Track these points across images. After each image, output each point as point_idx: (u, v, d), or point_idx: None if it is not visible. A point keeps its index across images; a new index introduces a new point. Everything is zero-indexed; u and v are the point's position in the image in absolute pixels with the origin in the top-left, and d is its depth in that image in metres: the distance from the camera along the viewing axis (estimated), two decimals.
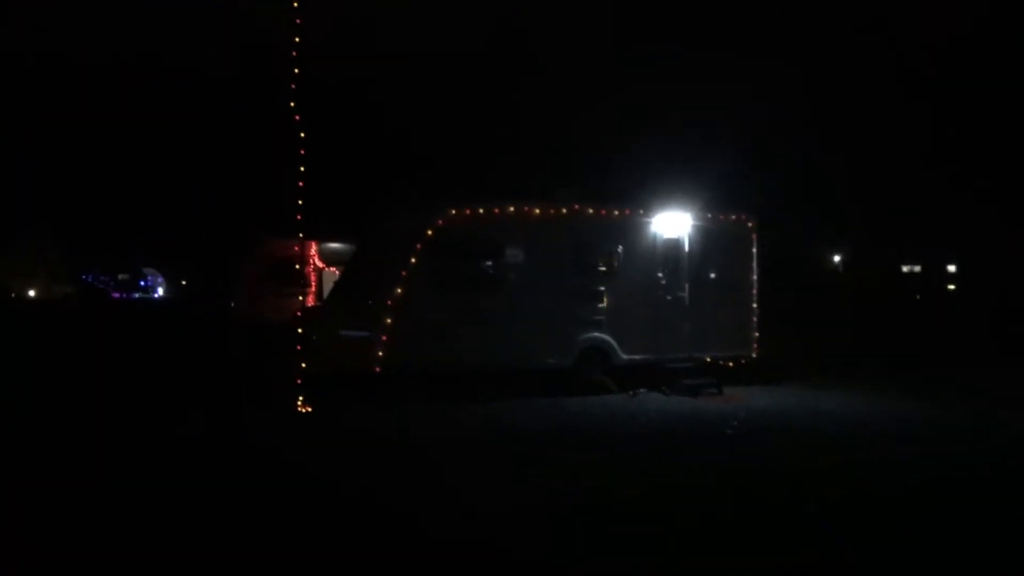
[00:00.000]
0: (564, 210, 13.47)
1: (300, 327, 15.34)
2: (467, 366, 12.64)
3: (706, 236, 14.51)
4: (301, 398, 11.70)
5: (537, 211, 13.24)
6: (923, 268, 46.50)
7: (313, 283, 24.19)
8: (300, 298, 24.52)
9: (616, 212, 13.88)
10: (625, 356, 13.77)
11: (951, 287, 43.25)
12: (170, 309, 37.48)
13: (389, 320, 12.03)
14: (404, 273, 12.21)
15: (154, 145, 48.53)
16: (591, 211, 13.68)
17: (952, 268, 44.30)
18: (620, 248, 13.84)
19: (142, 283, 71.33)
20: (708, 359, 14.45)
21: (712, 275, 14.60)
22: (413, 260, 12.26)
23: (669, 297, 14.21)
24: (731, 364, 14.78)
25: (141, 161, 51.36)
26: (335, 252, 24.31)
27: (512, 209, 13.07)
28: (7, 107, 47.79)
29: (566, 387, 13.26)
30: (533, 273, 13.16)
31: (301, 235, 12.14)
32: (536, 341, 13.13)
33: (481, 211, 12.82)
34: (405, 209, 13.83)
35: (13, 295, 39.81)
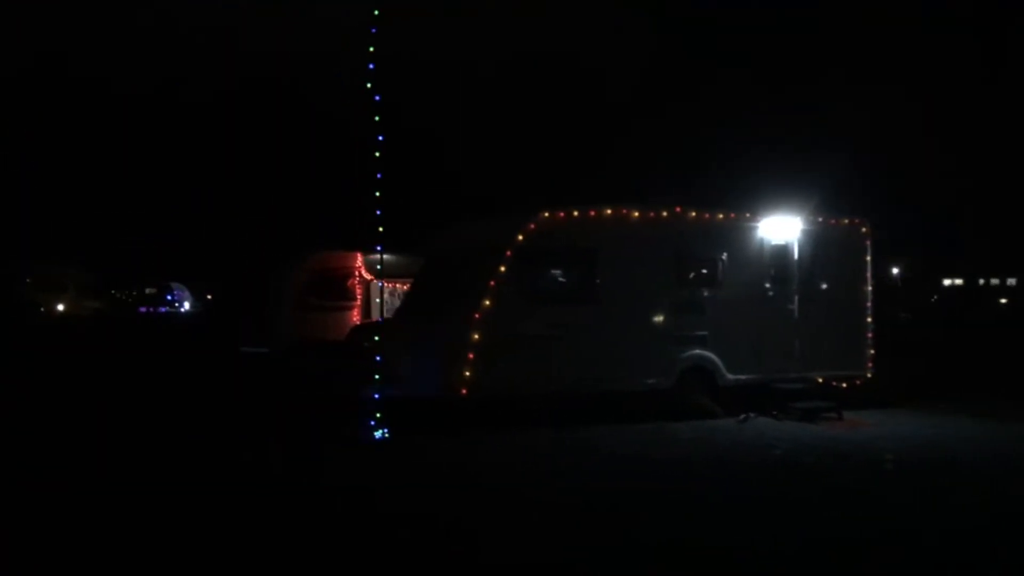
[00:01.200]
0: (664, 213, 12.04)
1: (361, 344, 14.06)
2: (559, 387, 11.22)
3: (817, 242, 13.03)
4: (378, 426, 10.33)
5: (636, 214, 11.82)
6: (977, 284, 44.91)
7: (359, 297, 22.94)
8: (346, 313, 23.43)
9: (720, 216, 12.43)
10: (730, 376, 12.28)
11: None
12: (200, 325, 36.30)
13: (476, 336, 10.63)
14: (492, 283, 10.81)
15: (184, 160, 47.74)
16: (694, 214, 12.24)
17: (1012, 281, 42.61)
18: (724, 256, 12.38)
19: (169, 297, 70.40)
20: (819, 379, 12.93)
21: (823, 286, 13.10)
22: (502, 268, 10.87)
23: (777, 311, 12.73)
24: (844, 385, 13.25)
25: (169, 175, 50.61)
26: (384, 263, 22.98)
27: (609, 212, 11.65)
28: (41, 122, 47.14)
29: (664, 411, 11.79)
30: (631, 284, 11.74)
31: (380, 249, 10.89)
32: (634, 359, 11.69)
33: (576, 214, 11.43)
34: (490, 214, 12.42)
35: (43, 309, 38.84)
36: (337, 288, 22.95)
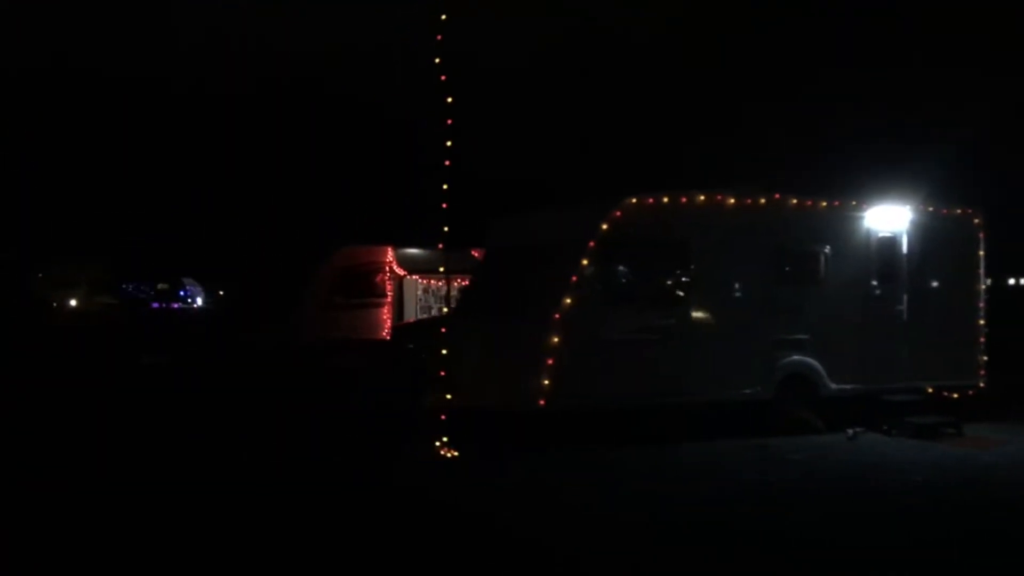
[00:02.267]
0: (763, 201, 10.58)
1: (408, 347, 12.65)
2: (645, 398, 9.79)
3: (926, 235, 11.54)
4: (444, 441, 8.94)
5: (731, 201, 10.36)
6: None
7: (390, 293, 21.51)
8: (375, 311, 22.00)
9: (823, 204, 10.96)
10: (833, 385, 10.82)
11: None
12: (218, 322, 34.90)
13: (556, 339, 9.20)
14: (573, 279, 9.38)
15: (201, 155, 46.39)
16: (794, 202, 10.78)
17: None
18: (827, 249, 10.92)
19: (182, 293, 69.17)
20: (929, 389, 11.46)
21: (934, 283, 11.62)
22: (584, 262, 9.43)
23: (884, 311, 11.26)
24: (955, 395, 11.77)
25: (184, 170, 49.31)
26: (415, 259, 21.62)
27: (702, 199, 10.20)
28: (51, 116, 45.93)
29: (760, 425, 10.34)
30: (725, 280, 10.31)
31: (441, 245, 9.50)
32: (728, 366, 10.25)
33: (666, 201, 9.98)
34: (567, 203, 10.94)
35: (55, 304, 37.58)
36: (365, 284, 21.56)
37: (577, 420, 9.69)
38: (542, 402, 9.15)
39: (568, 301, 9.29)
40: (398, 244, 21.77)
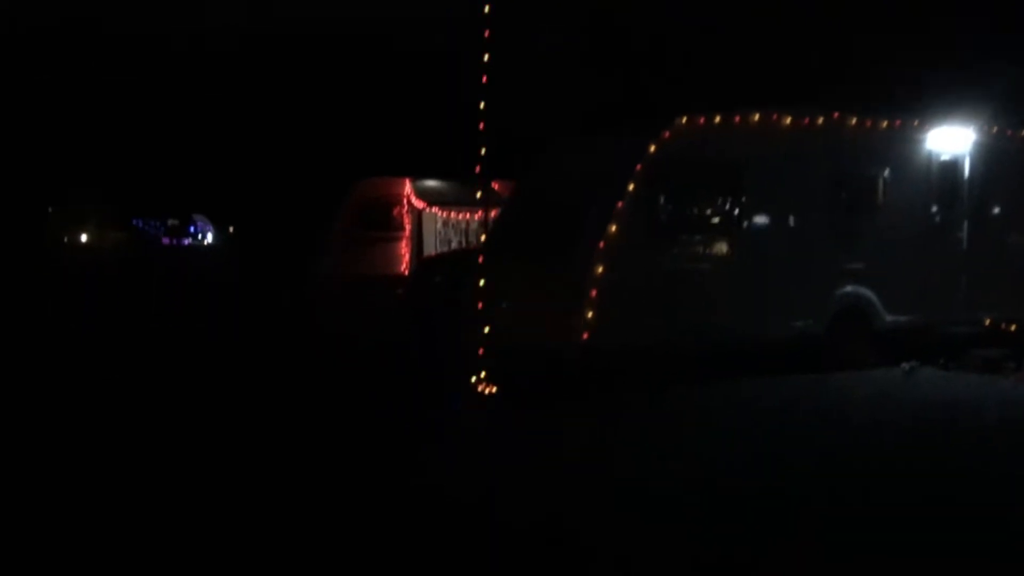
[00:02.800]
0: (821, 119, 9.84)
1: (435, 282, 12.12)
2: (695, 335, 9.22)
3: (990, 158, 10.81)
4: (482, 376, 8.43)
5: (788, 120, 9.64)
6: None
7: (408, 226, 20.87)
8: (393, 244, 21.40)
9: (884, 124, 10.21)
10: (889, 318, 10.24)
11: None
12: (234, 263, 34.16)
13: (601, 270, 8.61)
14: (620, 205, 8.73)
15: (212, 88, 45.16)
16: (854, 123, 10.03)
17: None
18: (887, 174, 10.22)
19: (192, 229, 68.56)
20: (988, 321, 10.87)
21: (996, 210, 10.94)
22: (631, 187, 8.77)
23: (943, 240, 10.61)
24: (1012, 328, 11.17)
25: (194, 104, 48.14)
26: (434, 191, 20.92)
27: (757, 118, 9.47)
28: (60, 48, 44.75)
29: (811, 361, 9.77)
30: (780, 207, 9.65)
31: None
32: (782, 298, 9.65)
33: (718, 120, 9.26)
34: (612, 124, 10.19)
35: (66, 239, 37.15)
36: (383, 217, 20.93)
37: (622, 359, 9.13)
38: (585, 336, 8.61)
39: (613, 230, 8.67)
40: (417, 176, 21.06)
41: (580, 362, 8.74)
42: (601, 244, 8.62)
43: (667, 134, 8.95)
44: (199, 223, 69.99)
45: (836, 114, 9.92)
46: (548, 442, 6.93)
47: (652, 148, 8.88)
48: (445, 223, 20.33)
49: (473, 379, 8.48)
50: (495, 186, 21.83)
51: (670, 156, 8.94)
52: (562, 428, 7.45)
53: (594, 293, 8.59)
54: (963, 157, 10.66)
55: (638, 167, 8.81)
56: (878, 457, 6.47)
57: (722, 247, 9.35)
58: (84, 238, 38.44)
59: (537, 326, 8.77)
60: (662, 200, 9.09)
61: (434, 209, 20.28)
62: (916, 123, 10.37)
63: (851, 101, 10.24)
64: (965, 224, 10.68)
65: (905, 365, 10.00)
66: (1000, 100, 10.91)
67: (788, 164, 9.61)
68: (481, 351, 8.45)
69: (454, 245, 20.43)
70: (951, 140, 10.53)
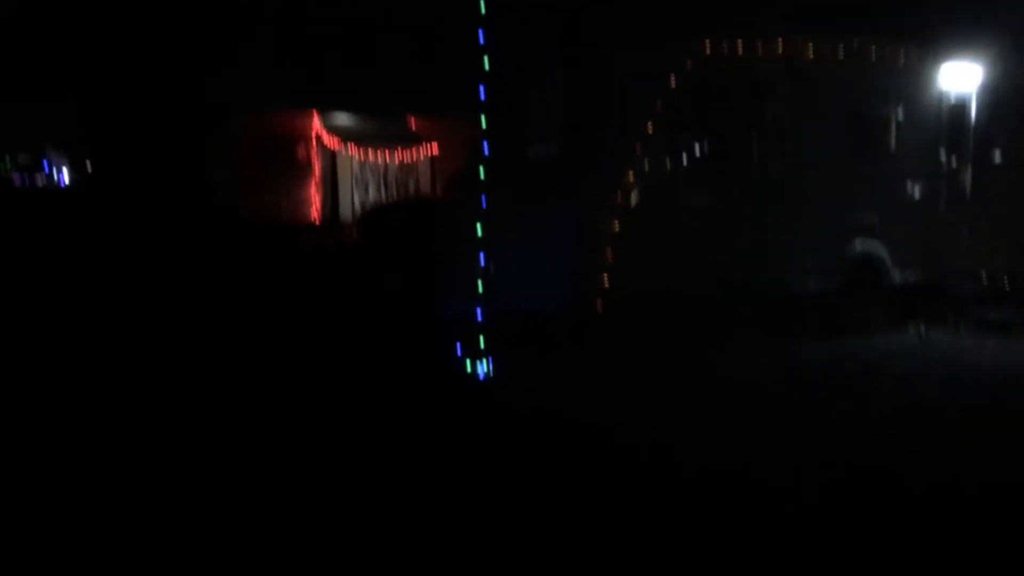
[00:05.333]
0: (842, 50, 8.72)
1: (392, 234, 10.53)
2: (709, 291, 8.04)
3: (995, 97, 10.04)
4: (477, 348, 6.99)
5: (811, 50, 8.47)
6: None
7: (318, 168, 18.80)
8: (298, 190, 19.24)
9: (902, 59, 9.22)
10: (898, 274, 9.42)
11: None
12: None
13: (617, 225, 7.27)
14: (636, 148, 7.38)
15: None
16: (874, 54, 8.97)
17: None
18: (900, 115, 9.27)
19: (45, 165, 61.69)
20: (990, 278, 10.24)
21: (998, 155, 10.23)
22: (649, 128, 7.43)
23: (949, 188, 9.82)
24: (1015, 285, 10.59)
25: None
26: (348, 128, 18.90)
27: (781, 46, 8.25)
28: None
29: (823, 321, 8.84)
30: (798, 147, 8.52)
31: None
32: (797, 253, 8.62)
33: (741, 49, 7.99)
34: (618, 47, 8.65)
35: None
36: (282, 159, 18.68)
37: (637, 320, 7.86)
38: (599, 304, 7.30)
39: (631, 176, 7.32)
40: (324, 108, 18.92)
41: (594, 332, 7.43)
42: (619, 195, 7.27)
43: (690, 63, 7.61)
44: (53, 158, 63.16)
45: (856, 42, 8.82)
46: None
47: (673, 81, 7.53)
48: (362, 165, 18.43)
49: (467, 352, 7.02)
50: (412, 123, 20.07)
51: (693, 89, 7.63)
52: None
53: (611, 252, 7.27)
54: (969, 98, 9.84)
55: (658, 104, 7.46)
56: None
57: (740, 194, 8.16)
58: None
59: (543, 291, 7.39)
60: (681, 140, 7.79)
61: (350, 148, 18.31)
62: (931, 56, 9.43)
63: (873, 27, 9.12)
64: (969, 170, 9.92)
65: (919, 329, 9.23)
66: (1009, 36, 10.10)
67: (807, 100, 8.48)
68: (480, 315, 6.98)
69: (372, 189, 18.61)
70: (959, 78, 9.67)
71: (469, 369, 6.90)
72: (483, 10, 6.64)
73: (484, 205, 7.38)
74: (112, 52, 23.57)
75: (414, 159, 18.97)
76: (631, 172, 7.34)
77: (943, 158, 9.71)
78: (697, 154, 7.99)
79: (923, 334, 9.08)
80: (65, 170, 64.76)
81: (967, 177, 9.92)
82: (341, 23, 20.66)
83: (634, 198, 7.38)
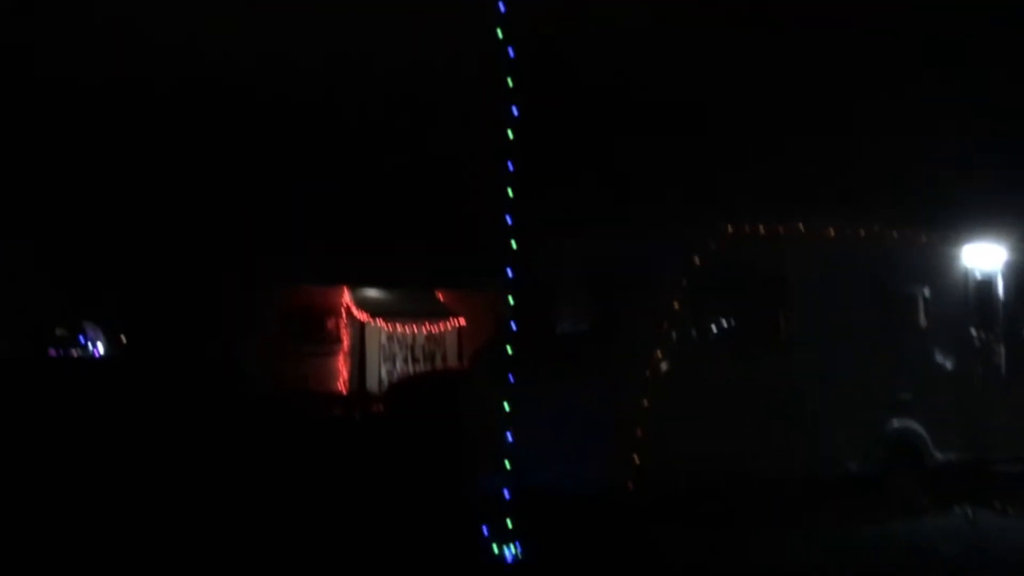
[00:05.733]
0: (863, 233, 8.90)
1: (425, 407, 10.46)
2: (743, 471, 7.80)
3: (1021, 276, 10.10)
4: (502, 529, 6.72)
5: (832, 233, 8.64)
6: None
7: (347, 341, 19.05)
8: (328, 360, 19.39)
9: (924, 239, 9.38)
10: (939, 454, 9.12)
11: None
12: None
13: (647, 403, 7.19)
14: (664, 325, 7.42)
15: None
16: (896, 236, 9.14)
17: None
18: (926, 291, 9.30)
19: (81, 339, 62.84)
20: None
21: None
22: (676, 305, 7.49)
23: (984, 365, 9.70)
24: None
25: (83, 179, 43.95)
26: (377, 301, 19.30)
27: (802, 229, 8.44)
28: None
29: (862, 504, 8.49)
30: (825, 327, 8.50)
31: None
32: (832, 432, 8.41)
33: (763, 231, 8.18)
34: (644, 226, 8.90)
35: None
36: (315, 330, 19.00)
37: (670, 500, 7.60)
38: (631, 485, 7.10)
39: (659, 354, 7.32)
40: (354, 283, 19.41)
41: (627, 506, 7.18)
42: (647, 369, 7.24)
43: (712, 244, 7.78)
44: (89, 332, 64.38)
45: (877, 227, 9.02)
46: None
47: (697, 260, 7.67)
48: (390, 337, 18.68)
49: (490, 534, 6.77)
50: (439, 296, 20.45)
51: (715, 269, 7.74)
52: None
53: (641, 429, 7.15)
54: (996, 275, 9.91)
55: (683, 282, 7.57)
56: None
57: (767, 372, 8.08)
58: None
59: (568, 470, 7.22)
60: (707, 317, 7.85)
61: (378, 321, 18.63)
62: (954, 238, 9.58)
63: (891, 213, 9.37)
64: (1003, 348, 9.83)
65: (967, 511, 8.84)
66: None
67: (833, 281, 8.56)
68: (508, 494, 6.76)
69: (400, 361, 18.75)
70: (985, 256, 9.78)
71: (496, 552, 6.64)
72: (511, 194, 6.89)
73: (512, 380, 7.37)
74: (148, 234, 24.49)
75: (441, 331, 19.23)
76: (660, 349, 7.33)
77: (975, 334, 9.65)
78: (725, 331, 8.02)
79: (970, 515, 8.68)
80: (100, 343, 65.68)
81: (1000, 353, 9.82)
82: (372, 202, 21.59)
83: (663, 375, 7.33)
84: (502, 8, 6.63)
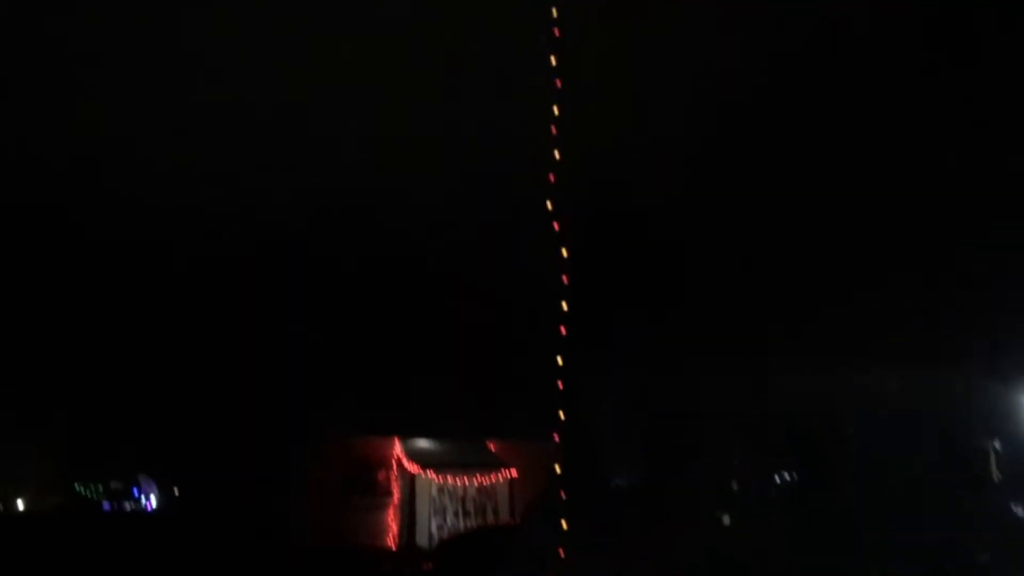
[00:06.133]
0: (927, 383, 8.71)
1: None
2: None
3: None
4: None
5: (895, 383, 8.49)
6: None
7: (397, 493, 18.75)
8: (378, 513, 19.06)
9: (992, 385, 9.14)
10: None
11: None
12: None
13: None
14: (727, 477, 7.25)
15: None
16: (961, 383, 8.92)
17: None
18: (997, 443, 8.97)
19: (136, 492, 62.85)
20: None
21: None
22: (738, 457, 7.35)
23: None
24: None
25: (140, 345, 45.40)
26: (428, 452, 19.09)
27: (863, 380, 8.32)
28: None
29: None
30: (892, 480, 8.20)
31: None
32: None
33: (819, 386, 8.09)
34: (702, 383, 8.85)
35: (2, 507, 33.55)
36: (366, 482, 18.81)
37: None
38: None
39: (723, 504, 7.11)
40: (405, 434, 19.28)
41: None
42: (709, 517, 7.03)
43: (769, 396, 7.71)
44: (143, 485, 64.55)
45: (942, 374, 8.82)
46: None
47: (758, 410, 7.58)
48: (440, 489, 18.36)
49: None
50: (490, 446, 20.22)
51: (774, 420, 7.63)
52: None
53: None
54: None
55: (743, 434, 7.45)
56: None
57: (837, 520, 7.76)
58: (20, 504, 34.90)
59: None
60: (771, 466, 7.66)
61: (429, 473, 18.37)
62: (1018, 386, 9.31)
63: (957, 363, 9.16)
64: None
65: None
66: None
67: (897, 431, 8.33)
68: None
69: (450, 515, 18.34)
70: None
71: None
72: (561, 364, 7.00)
73: (566, 530, 7.20)
74: (203, 388, 25.15)
75: (492, 483, 18.87)
76: (721, 500, 7.15)
77: None
78: (787, 483, 7.79)
79: None
80: (153, 496, 65.66)
81: None
82: (423, 351, 21.90)
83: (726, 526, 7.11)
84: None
